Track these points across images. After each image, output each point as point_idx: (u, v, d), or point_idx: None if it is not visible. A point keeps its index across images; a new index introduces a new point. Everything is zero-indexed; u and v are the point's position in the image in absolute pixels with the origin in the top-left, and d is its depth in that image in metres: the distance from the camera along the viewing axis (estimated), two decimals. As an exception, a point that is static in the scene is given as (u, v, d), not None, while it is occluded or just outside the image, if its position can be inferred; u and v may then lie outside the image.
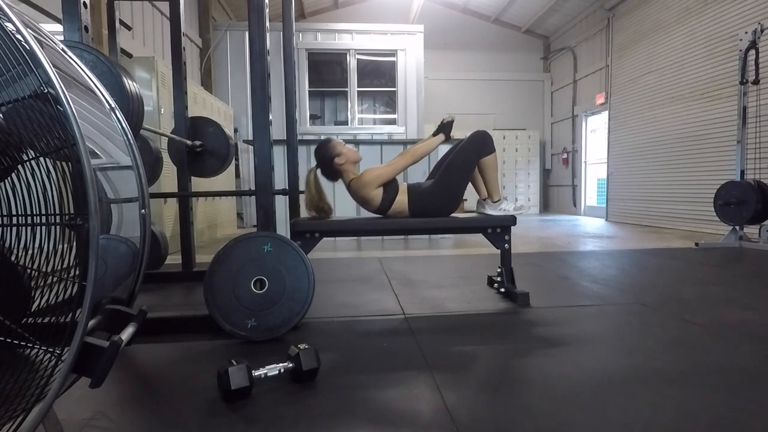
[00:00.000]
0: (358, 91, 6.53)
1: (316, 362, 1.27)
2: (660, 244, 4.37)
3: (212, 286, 1.61)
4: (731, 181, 4.09)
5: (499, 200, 2.25)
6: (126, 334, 1.15)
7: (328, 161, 2.13)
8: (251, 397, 1.18)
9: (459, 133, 9.74)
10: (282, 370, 1.25)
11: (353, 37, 6.49)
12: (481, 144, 2.17)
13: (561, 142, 9.39)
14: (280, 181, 3.82)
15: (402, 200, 2.16)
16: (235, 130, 6.22)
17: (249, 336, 1.61)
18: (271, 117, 1.86)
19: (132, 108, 1.71)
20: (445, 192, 2.17)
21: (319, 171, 2.16)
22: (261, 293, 1.62)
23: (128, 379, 1.35)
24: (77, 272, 0.83)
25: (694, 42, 5.52)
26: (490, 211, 2.24)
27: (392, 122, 6.77)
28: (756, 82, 3.91)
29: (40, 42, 0.83)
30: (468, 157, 2.17)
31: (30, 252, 0.87)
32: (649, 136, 6.35)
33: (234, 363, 1.16)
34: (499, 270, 2.26)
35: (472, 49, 9.60)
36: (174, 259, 3.15)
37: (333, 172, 2.16)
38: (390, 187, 2.15)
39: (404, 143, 4.63)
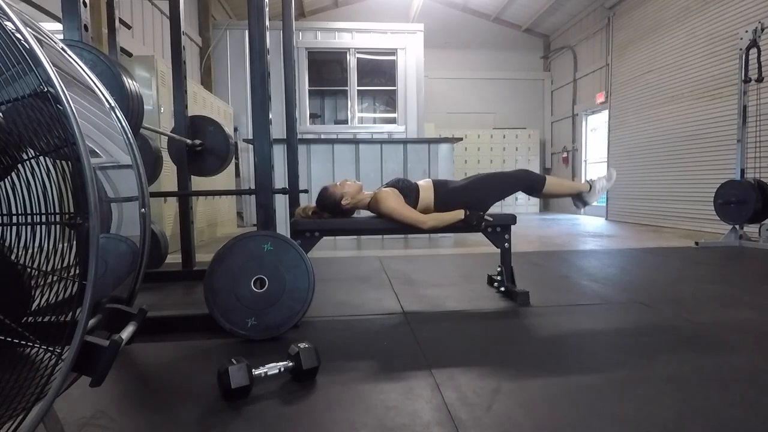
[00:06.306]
0: (358, 90, 6.53)
1: (317, 361, 1.28)
2: (660, 243, 4.37)
3: (212, 285, 1.61)
4: (731, 180, 4.09)
5: (590, 188, 2.30)
6: (126, 333, 1.16)
7: (335, 207, 2.11)
8: (251, 396, 1.18)
9: (459, 131, 9.67)
10: (282, 369, 1.25)
11: (353, 36, 6.49)
12: (526, 181, 2.24)
13: (561, 140, 9.38)
14: (280, 180, 3.82)
15: (428, 197, 2.15)
16: (235, 129, 6.22)
17: (249, 335, 1.61)
18: (271, 116, 1.86)
19: (132, 107, 1.71)
20: (474, 198, 2.16)
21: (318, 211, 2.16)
22: (261, 292, 1.62)
23: (128, 378, 1.35)
24: (77, 271, 0.83)
25: (695, 41, 5.51)
26: (593, 199, 2.33)
27: (392, 121, 6.76)
28: (760, 79, 3.89)
29: (39, 41, 0.83)
30: (509, 183, 2.23)
31: (30, 251, 0.87)
32: (649, 135, 6.34)
33: (234, 362, 1.16)
34: (499, 269, 2.26)
35: (472, 48, 9.59)
36: (174, 258, 3.15)
37: (346, 212, 2.15)
38: (404, 193, 2.13)
39: (404, 142, 4.62)
